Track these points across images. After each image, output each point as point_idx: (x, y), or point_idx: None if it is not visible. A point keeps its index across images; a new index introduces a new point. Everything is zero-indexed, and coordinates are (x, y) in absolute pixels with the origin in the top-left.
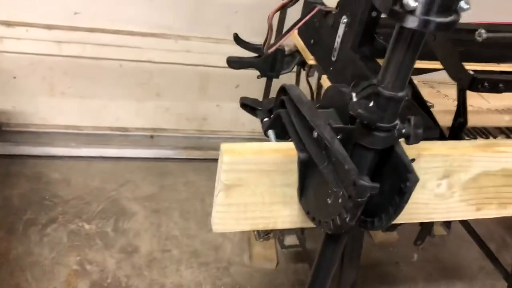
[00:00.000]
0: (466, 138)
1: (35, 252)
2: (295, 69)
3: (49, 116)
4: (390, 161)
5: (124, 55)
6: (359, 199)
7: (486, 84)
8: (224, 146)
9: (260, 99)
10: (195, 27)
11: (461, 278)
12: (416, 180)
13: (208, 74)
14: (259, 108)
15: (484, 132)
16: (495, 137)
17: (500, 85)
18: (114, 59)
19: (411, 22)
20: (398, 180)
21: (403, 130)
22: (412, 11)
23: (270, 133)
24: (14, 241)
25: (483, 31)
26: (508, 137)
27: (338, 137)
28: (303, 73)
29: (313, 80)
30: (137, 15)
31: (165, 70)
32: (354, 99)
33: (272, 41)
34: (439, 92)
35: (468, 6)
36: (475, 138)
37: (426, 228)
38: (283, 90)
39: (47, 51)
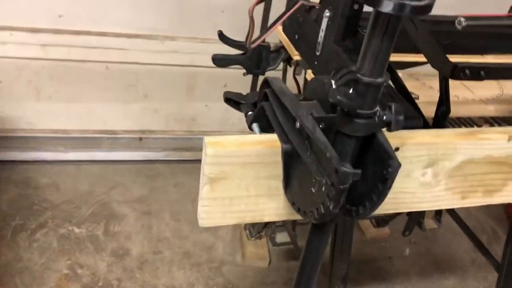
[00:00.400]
0: (451, 127)
1: (25, 258)
2: (281, 65)
3: (37, 121)
4: (372, 148)
5: (110, 57)
6: (342, 186)
7: (467, 71)
8: (207, 139)
9: None
10: (181, 27)
11: (453, 271)
12: (398, 166)
13: (195, 74)
14: (243, 102)
15: (469, 122)
16: (480, 127)
17: (481, 72)
18: (100, 61)
19: (387, 6)
20: (381, 167)
21: (384, 117)
22: None
23: (255, 126)
24: (3, 247)
25: (462, 19)
26: (492, 126)
27: (320, 126)
28: (290, 70)
29: (300, 78)
30: (122, 17)
31: (152, 71)
32: (334, 86)
33: (254, 35)
34: (424, 84)
35: None
36: (460, 127)
37: (413, 218)
38: (266, 83)
39: (32, 55)
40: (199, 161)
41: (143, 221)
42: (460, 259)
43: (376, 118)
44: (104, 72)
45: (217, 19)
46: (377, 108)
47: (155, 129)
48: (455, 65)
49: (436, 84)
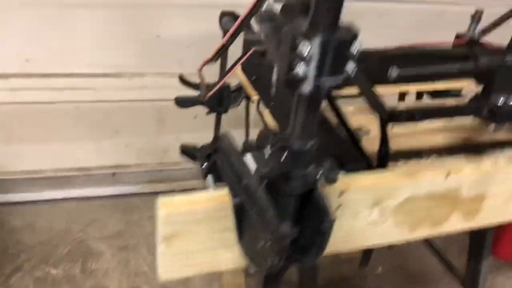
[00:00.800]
0: (401, 160)
1: None
2: (243, 102)
3: (8, 163)
4: (310, 203)
5: (79, 97)
6: (282, 244)
7: (403, 115)
8: (160, 200)
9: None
10: (148, 64)
11: (426, 284)
12: (331, 221)
13: (165, 108)
14: (198, 155)
15: (418, 154)
16: (428, 158)
17: (416, 115)
18: (70, 101)
19: (306, 88)
20: (318, 222)
21: (319, 174)
22: (305, 78)
23: (209, 178)
24: None
25: (394, 69)
26: (439, 156)
27: (264, 183)
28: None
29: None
30: (89, 57)
31: (122, 108)
32: (268, 152)
33: (206, 89)
34: (377, 117)
35: (354, 65)
36: (409, 160)
37: (368, 252)
38: (217, 139)
39: (1, 99)
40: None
41: (120, 256)
42: (432, 272)
43: (311, 177)
44: (74, 112)
45: (183, 55)
46: (311, 167)
47: (127, 164)
48: (391, 111)
49: None
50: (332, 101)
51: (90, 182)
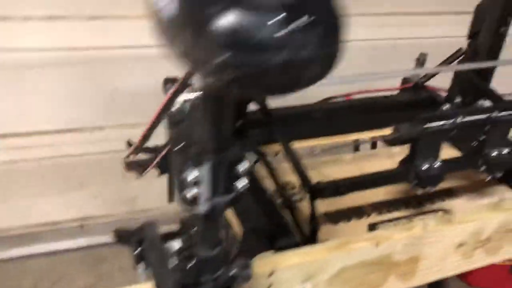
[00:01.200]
0: (341, 221)
1: None
2: None
3: None
4: None
5: (41, 154)
6: None
7: (328, 190)
8: None
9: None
10: (109, 116)
11: None
12: None
13: None
14: (131, 239)
15: (359, 212)
16: (369, 215)
17: (341, 189)
18: (32, 159)
19: (200, 209)
20: None
21: (233, 272)
22: (196, 199)
23: (140, 267)
24: None
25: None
26: (380, 213)
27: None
28: None
29: None
30: (49, 114)
31: (86, 161)
32: (175, 262)
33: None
34: (319, 172)
35: (245, 183)
36: (349, 220)
37: None
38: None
39: None
40: None
41: None
42: None
43: (222, 279)
44: (38, 169)
45: (145, 105)
46: (221, 270)
47: (96, 215)
48: (316, 186)
49: (332, 170)
50: (268, 165)
51: (58, 236)
